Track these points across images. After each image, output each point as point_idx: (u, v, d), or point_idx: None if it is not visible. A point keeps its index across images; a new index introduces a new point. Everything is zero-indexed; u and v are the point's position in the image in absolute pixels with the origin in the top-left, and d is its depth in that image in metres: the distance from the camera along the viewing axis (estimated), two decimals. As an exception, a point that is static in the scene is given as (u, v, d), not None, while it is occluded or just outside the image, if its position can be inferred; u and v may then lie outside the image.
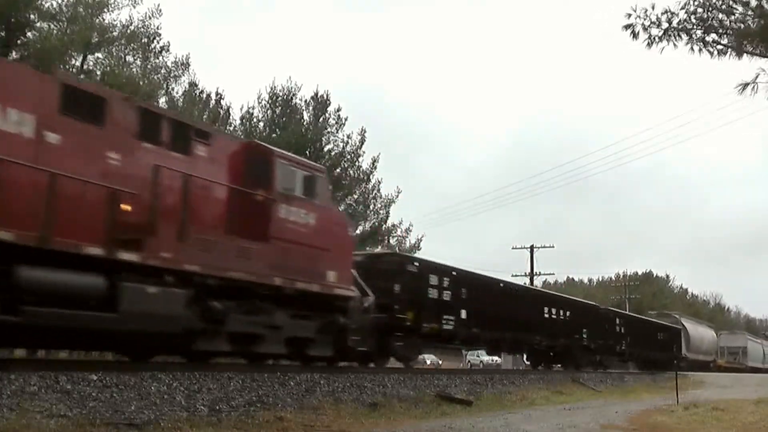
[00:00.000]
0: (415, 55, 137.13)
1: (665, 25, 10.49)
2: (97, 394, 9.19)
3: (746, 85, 10.19)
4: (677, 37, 10.46)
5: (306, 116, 34.15)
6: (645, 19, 10.48)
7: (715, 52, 10.52)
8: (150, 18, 23.30)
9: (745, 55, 10.31)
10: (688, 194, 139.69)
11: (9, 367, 9.06)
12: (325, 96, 34.22)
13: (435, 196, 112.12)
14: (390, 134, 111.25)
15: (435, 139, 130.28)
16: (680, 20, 10.42)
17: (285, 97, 33.96)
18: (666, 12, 10.47)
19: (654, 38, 10.56)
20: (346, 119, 34.41)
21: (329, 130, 34.20)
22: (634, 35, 10.58)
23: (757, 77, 10.11)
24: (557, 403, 17.30)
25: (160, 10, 23.38)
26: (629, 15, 10.53)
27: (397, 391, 14.48)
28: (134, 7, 22.07)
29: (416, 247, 36.74)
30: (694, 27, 10.51)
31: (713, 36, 10.46)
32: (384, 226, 35.45)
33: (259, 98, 34.01)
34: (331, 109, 34.37)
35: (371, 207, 35.26)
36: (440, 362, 46.22)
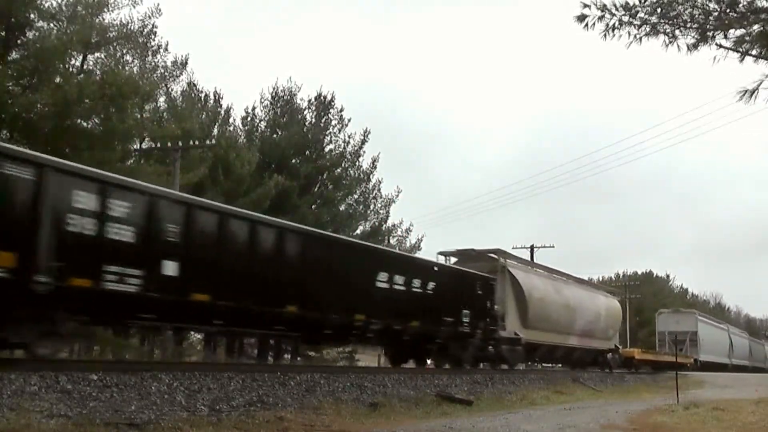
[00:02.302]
0: (423, 57, 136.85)
1: (626, 18, 10.20)
2: (98, 394, 9.19)
3: (746, 91, 10.12)
4: (641, 30, 10.20)
5: (308, 116, 34.19)
6: (602, 11, 10.14)
7: (685, 47, 10.29)
8: (150, 17, 23.28)
9: (747, 58, 10.21)
10: (691, 194, 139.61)
11: (9, 367, 9.07)
12: (328, 97, 34.26)
13: (438, 195, 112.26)
14: (399, 133, 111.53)
15: (445, 139, 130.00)
16: (644, 14, 10.18)
17: (286, 97, 33.99)
18: (625, 5, 10.18)
19: (610, 28, 10.27)
20: (349, 120, 34.47)
21: (331, 131, 34.24)
22: (587, 26, 10.28)
23: (759, 85, 10.03)
24: (557, 402, 17.30)
25: (160, 10, 23.37)
26: (585, 5, 10.26)
27: (398, 391, 14.49)
28: (134, 6, 22.04)
29: (417, 247, 36.68)
30: (661, 23, 10.32)
31: (681, 31, 10.24)
32: (384, 226, 35.44)
33: (261, 98, 34.06)
34: (334, 110, 34.42)
35: (371, 207, 35.26)
36: None
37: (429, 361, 21.72)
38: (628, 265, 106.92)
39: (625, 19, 10.11)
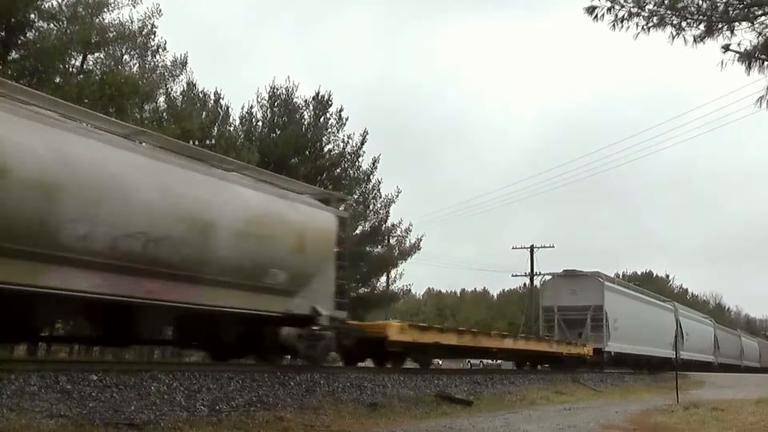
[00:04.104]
0: (434, 58, 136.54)
1: (633, 9, 10.29)
2: (97, 394, 9.19)
3: (761, 98, 10.23)
4: (650, 21, 10.31)
5: (307, 116, 34.25)
6: (611, 2, 10.27)
7: (692, 39, 10.33)
8: (150, 17, 23.29)
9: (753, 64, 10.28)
10: (700, 195, 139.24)
11: (9, 367, 9.07)
12: (326, 96, 34.32)
13: (450, 193, 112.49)
14: (409, 133, 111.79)
15: (457, 139, 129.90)
16: (653, 4, 10.29)
17: (284, 96, 34.03)
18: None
19: (619, 19, 10.36)
20: (347, 119, 34.54)
21: (330, 130, 34.31)
22: (596, 17, 10.38)
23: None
24: (557, 403, 17.30)
25: (160, 10, 23.38)
26: None
27: (397, 391, 14.49)
28: (134, 7, 22.07)
29: (416, 247, 36.68)
30: (669, 14, 10.38)
31: (689, 23, 10.31)
32: (384, 225, 35.47)
33: (258, 98, 34.11)
34: (332, 109, 34.49)
35: (371, 207, 35.30)
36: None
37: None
38: (634, 266, 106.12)
39: (634, 10, 10.21)
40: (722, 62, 10.28)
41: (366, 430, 10.31)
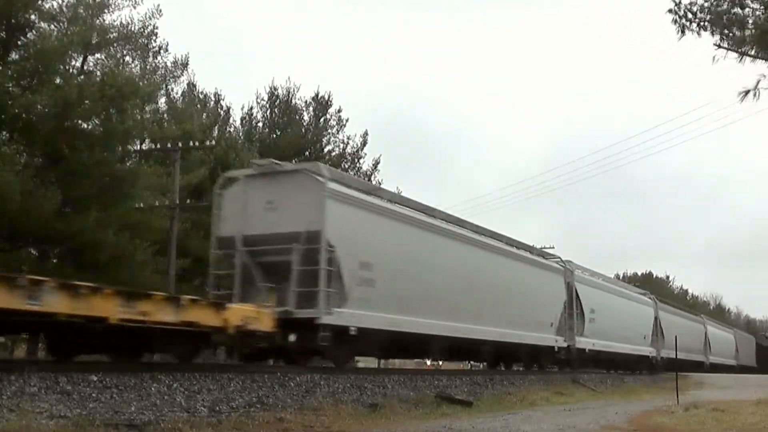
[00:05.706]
0: (444, 60, 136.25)
1: (691, 16, 10.71)
2: (98, 395, 9.20)
3: (747, 92, 10.28)
4: (703, 29, 10.65)
5: (306, 117, 34.29)
6: (680, 9, 10.69)
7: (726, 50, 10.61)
8: (150, 18, 23.23)
9: (746, 59, 10.37)
10: (695, 197, 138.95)
11: (9, 368, 9.08)
12: (326, 97, 34.36)
13: (447, 195, 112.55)
14: (420, 135, 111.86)
15: (464, 140, 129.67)
16: (703, 10, 10.59)
17: (284, 97, 34.07)
18: (692, 3, 10.70)
19: (684, 27, 10.75)
20: (347, 121, 34.58)
21: (330, 131, 34.34)
22: (675, 22, 10.83)
23: (758, 83, 10.21)
24: (557, 403, 17.30)
25: (161, 11, 23.32)
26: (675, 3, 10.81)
27: (397, 392, 14.50)
28: (134, 8, 22.02)
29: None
30: (715, 20, 10.64)
31: (731, 30, 10.57)
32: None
33: (257, 98, 34.14)
34: (332, 110, 34.53)
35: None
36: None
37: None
38: (637, 267, 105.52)
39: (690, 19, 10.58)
40: (714, 57, 10.49)
41: (366, 431, 10.31)
